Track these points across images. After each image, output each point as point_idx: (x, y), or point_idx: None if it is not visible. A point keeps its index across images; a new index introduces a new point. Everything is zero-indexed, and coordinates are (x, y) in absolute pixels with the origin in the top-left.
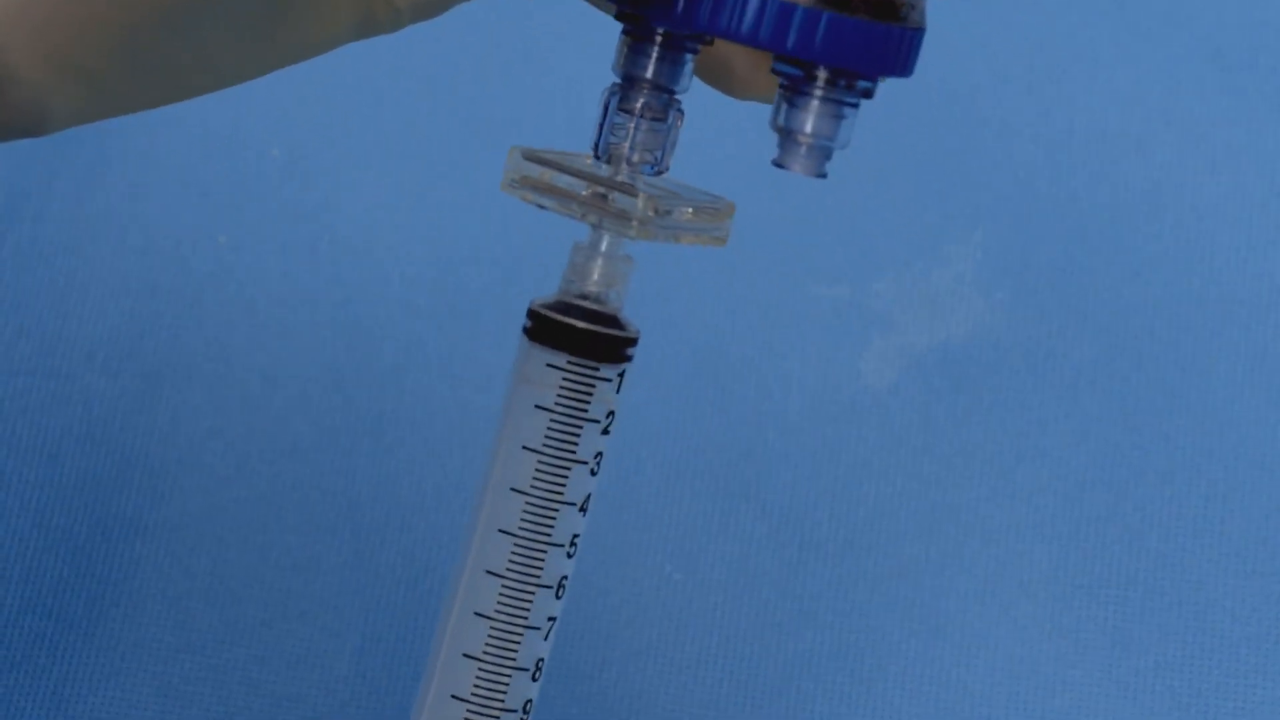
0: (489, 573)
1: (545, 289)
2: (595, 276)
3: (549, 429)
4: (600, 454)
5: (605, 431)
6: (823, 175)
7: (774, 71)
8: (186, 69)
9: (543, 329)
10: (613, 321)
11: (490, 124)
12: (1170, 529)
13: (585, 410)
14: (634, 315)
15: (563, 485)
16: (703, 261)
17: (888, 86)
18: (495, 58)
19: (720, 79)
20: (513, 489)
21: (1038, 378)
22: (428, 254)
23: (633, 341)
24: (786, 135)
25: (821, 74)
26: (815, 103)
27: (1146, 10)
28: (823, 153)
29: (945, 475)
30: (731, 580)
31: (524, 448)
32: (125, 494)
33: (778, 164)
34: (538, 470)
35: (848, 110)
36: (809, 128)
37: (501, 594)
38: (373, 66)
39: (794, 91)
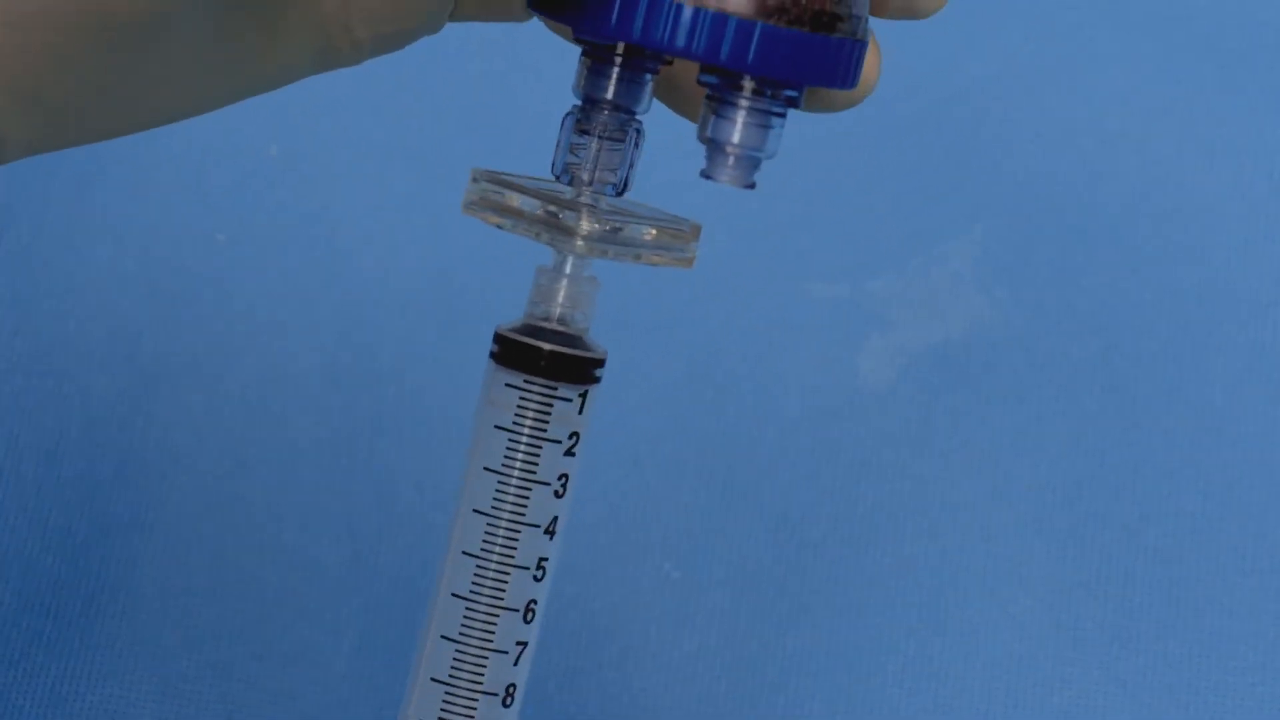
0: (454, 595)
1: None
2: (560, 298)
3: (508, 449)
4: (565, 475)
5: (569, 453)
6: (751, 186)
7: (699, 82)
8: (141, 100)
9: (504, 351)
10: (575, 342)
11: (490, 124)
12: (1169, 526)
13: (544, 430)
14: (633, 314)
15: (524, 507)
16: (701, 261)
17: (885, 85)
18: (495, 58)
19: (676, 101)
20: (475, 510)
21: (1036, 375)
22: (427, 254)
23: (598, 363)
24: (714, 146)
25: (747, 84)
26: (742, 113)
27: (1146, 9)
28: (750, 163)
29: (944, 473)
30: (730, 579)
31: (485, 469)
32: (123, 493)
33: (705, 175)
34: (498, 491)
35: (775, 120)
36: (736, 138)
37: (465, 617)
38: (372, 66)
39: (720, 102)
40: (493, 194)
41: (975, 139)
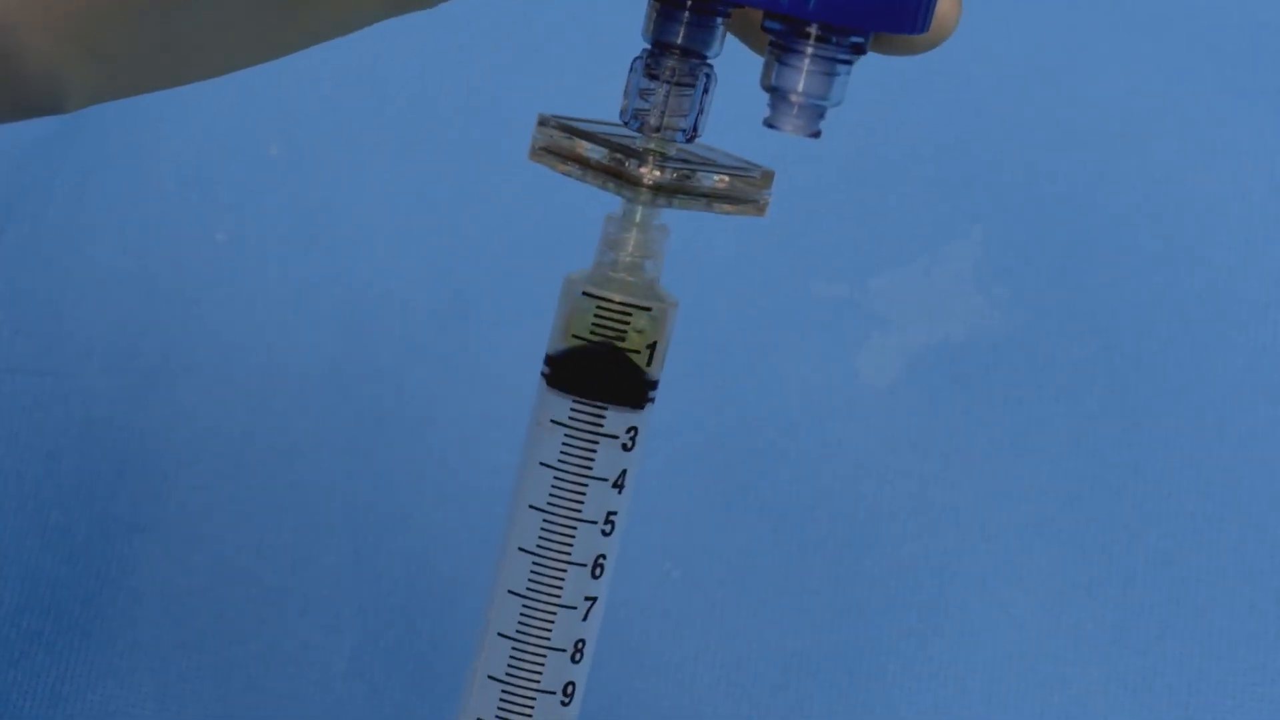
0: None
1: (545, 288)
2: (630, 247)
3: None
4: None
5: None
6: (816, 134)
7: (763, 29)
8: (204, 48)
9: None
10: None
11: (490, 123)
12: (1169, 527)
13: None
14: None
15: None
16: (701, 260)
17: (886, 85)
18: (495, 58)
19: (754, 42)
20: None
21: (1037, 376)
22: (428, 254)
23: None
24: (777, 95)
25: (811, 30)
26: (806, 61)
27: (1146, 9)
28: (815, 111)
29: (944, 473)
30: (730, 579)
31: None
32: (123, 492)
33: (769, 124)
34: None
35: (840, 67)
36: (800, 87)
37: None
38: (372, 65)
39: (783, 49)
40: (560, 141)
41: (975, 139)
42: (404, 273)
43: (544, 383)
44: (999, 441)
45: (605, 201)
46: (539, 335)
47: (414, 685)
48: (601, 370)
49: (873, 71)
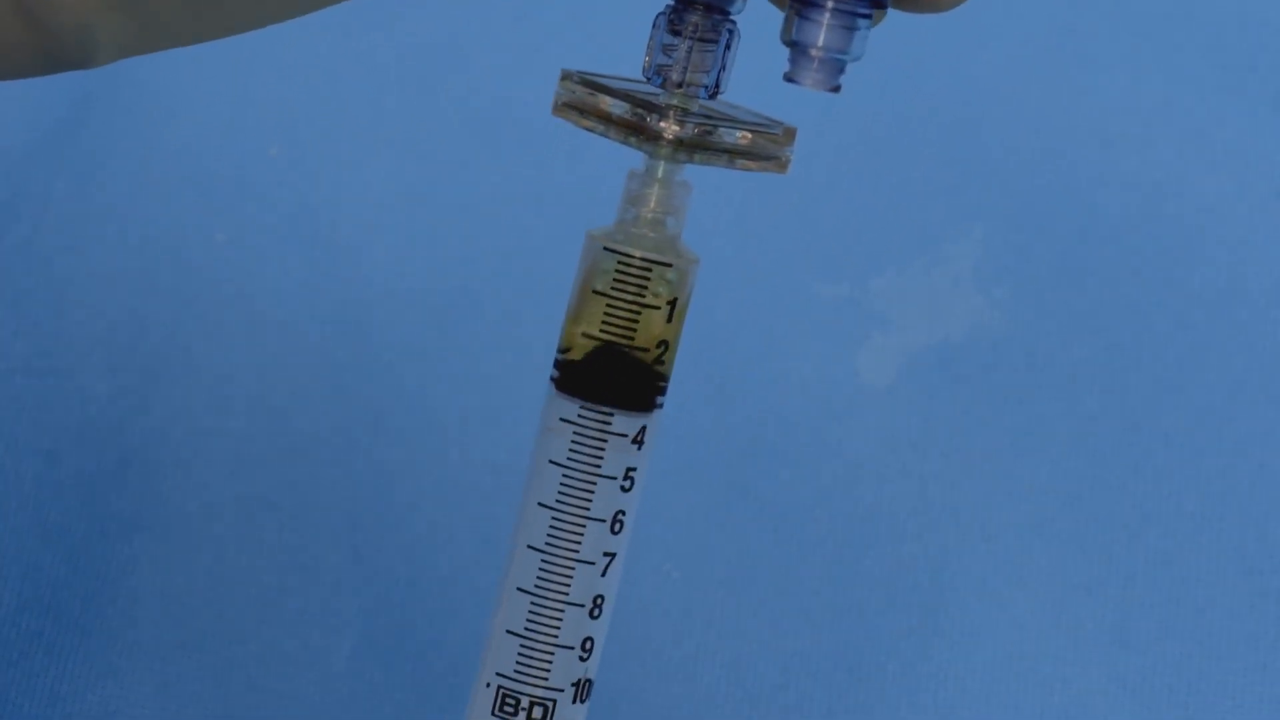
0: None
1: (545, 288)
2: (651, 203)
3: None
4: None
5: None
6: (835, 89)
7: None
8: (235, 2)
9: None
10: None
11: (491, 123)
12: (1169, 526)
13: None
14: None
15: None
16: (701, 259)
17: (886, 85)
18: (496, 57)
19: None
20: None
21: (1037, 376)
22: (428, 254)
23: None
24: (797, 49)
25: None
26: (825, 14)
27: (1146, 10)
28: (835, 66)
29: (944, 473)
30: (730, 578)
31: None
32: (123, 492)
33: (789, 79)
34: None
35: (860, 21)
36: (820, 40)
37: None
38: (372, 64)
39: (803, 2)
40: (583, 96)
41: (975, 139)
42: (404, 273)
43: (553, 387)
44: (999, 441)
45: (605, 204)
46: (540, 335)
47: (414, 685)
48: (611, 373)
49: (873, 71)
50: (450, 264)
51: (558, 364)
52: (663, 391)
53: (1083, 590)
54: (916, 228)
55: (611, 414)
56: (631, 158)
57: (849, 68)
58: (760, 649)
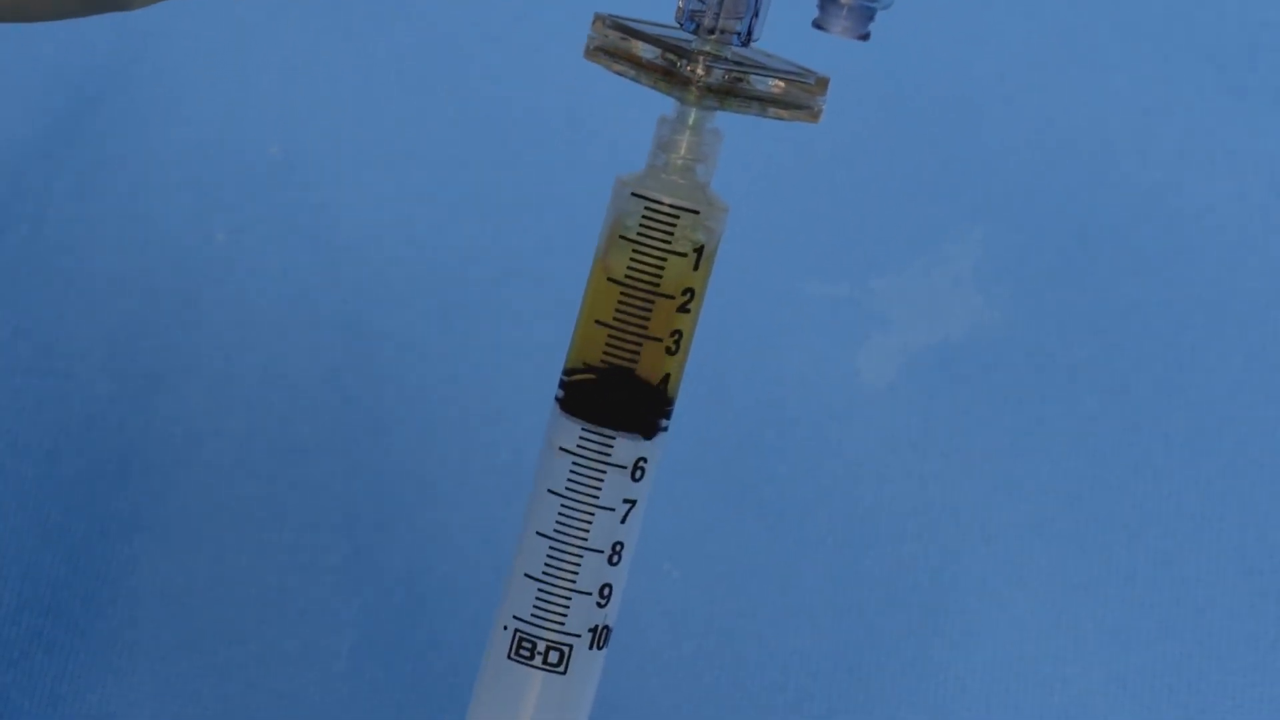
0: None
1: (545, 288)
2: (681, 150)
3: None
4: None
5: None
6: (865, 37)
7: None
8: None
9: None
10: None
11: (491, 123)
12: (1169, 527)
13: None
14: None
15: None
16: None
17: (887, 84)
18: (496, 56)
19: None
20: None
21: (1036, 376)
22: (428, 254)
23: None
24: None
25: None
26: None
27: (1146, 10)
28: (865, 13)
29: (943, 473)
30: (730, 578)
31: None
32: (124, 492)
33: (817, 26)
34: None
35: None
36: None
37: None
38: (372, 64)
39: None
40: (615, 40)
41: (975, 139)
42: (405, 272)
43: (557, 407)
44: (999, 441)
45: (606, 204)
46: (539, 336)
47: (414, 685)
48: (614, 396)
49: (873, 71)
50: (451, 264)
51: (563, 384)
52: (667, 414)
53: (1083, 590)
54: (916, 228)
55: (614, 436)
56: (632, 158)
57: (879, 16)
58: (760, 649)
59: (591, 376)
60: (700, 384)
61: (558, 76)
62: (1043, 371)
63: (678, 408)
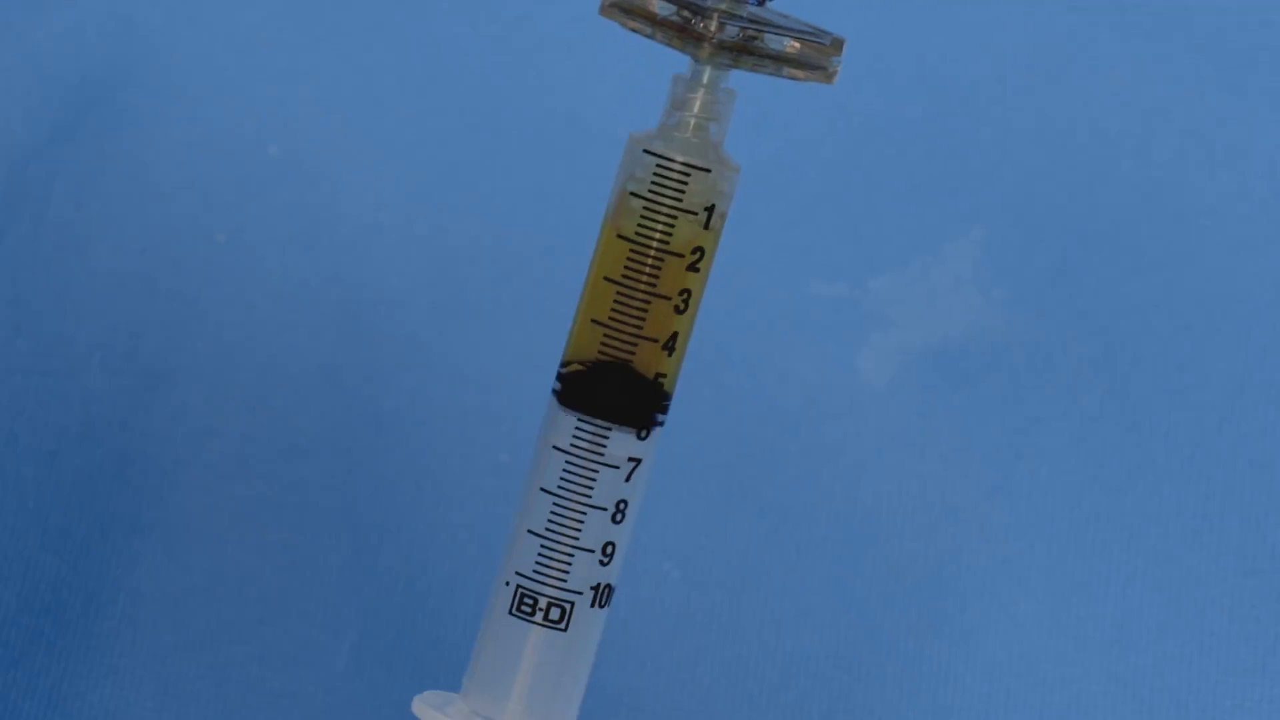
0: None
1: (545, 288)
2: (695, 107)
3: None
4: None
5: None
6: None
7: None
8: None
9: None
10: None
11: (491, 123)
12: (1169, 527)
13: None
14: None
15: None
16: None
17: (887, 84)
18: (496, 57)
19: None
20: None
21: (1036, 376)
22: (428, 253)
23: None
24: None
25: None
26: None
27: (1146, 10)
28: None
29: (943, 473)
30: (729, 578)
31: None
32: (124, 492)
33: None
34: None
35: None
36: None
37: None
38: (372, 64)
39: None
40: None
41: (975, 139)
42: (404, 273)
43: (554, 399)
44: (998, 441)
45: (597, 207)
46: (539, 336)
47: (414, 685)
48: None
49: (873, 71)
50: (450, 264)
51: (560, 376)
52: (664, 409)
53: (1082, 590)
54: (916, 227)
55: (609, 428)
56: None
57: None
58: (760, 649)
59: (602, 328)
60: (701, 384)
61: (559, 77)
62: (1043, 371)
63: (678, 406)
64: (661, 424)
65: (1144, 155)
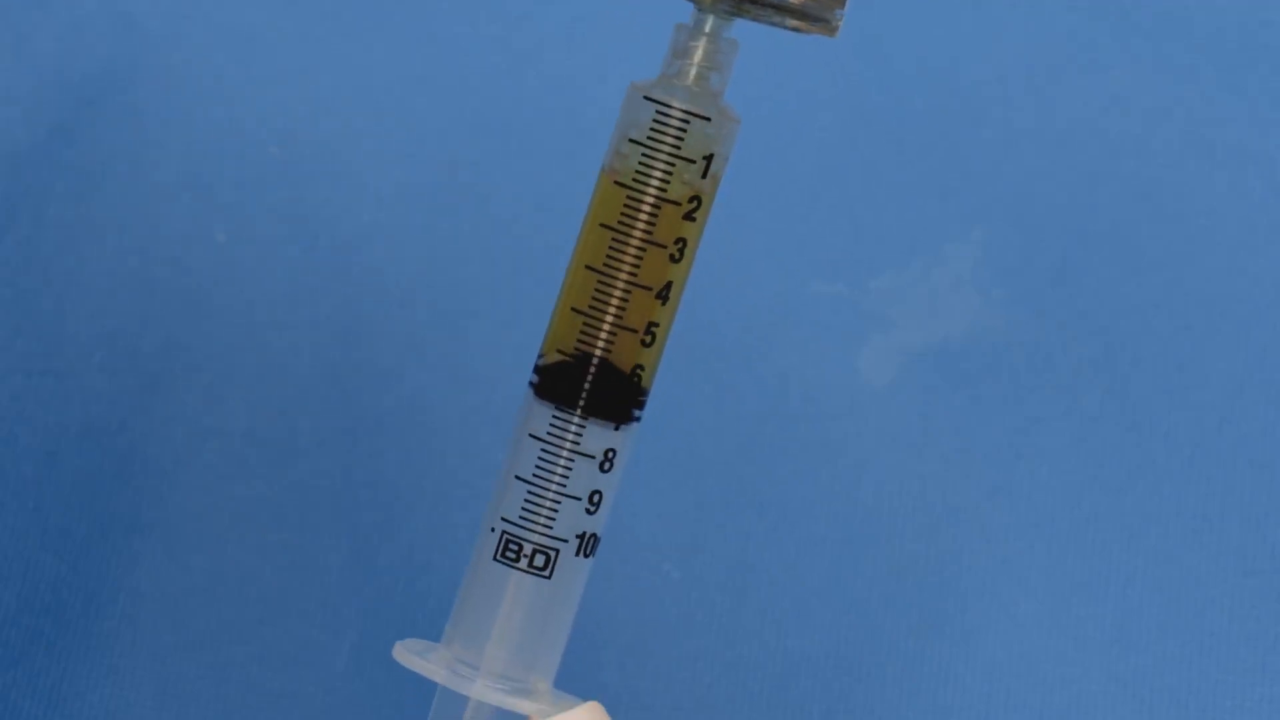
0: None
1: (545, 288)
2: (697, 56)
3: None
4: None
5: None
6: None
7: None
8: None
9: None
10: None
11: (490, 123)
12: (1168, 527)
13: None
14: None
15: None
16: (700, 259)
17: (887, 85)
18: (496, 57)
19: None
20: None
21: (1036, 376)
22: (427, 254)
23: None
24: None
25: None
26: None
27: (1146, 10)
28: None
29: (943, 473)
30: (730, 579)
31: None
32: (124, 492)
33: None
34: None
35: None
36: None
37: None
38: (372, 64)
39: None
40: None
41: (975, 139)
42: (404, 272)
43: (531, 392)
44: (998, 441)
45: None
46: (539, 336)
47: (414, 685)
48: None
49: (874, 72)
50: (449, 264)
51: (538, 369)
52: (640, 404)
53: (1082, 590)
54: (916, 228)
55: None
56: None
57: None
58: (760, 649)
59: (595, 275)
60: (701, 383)
61: (558, 77)
62: (1042, 371)
63: (677, 405)
64: (639, 419)
65: (1144, 155)
